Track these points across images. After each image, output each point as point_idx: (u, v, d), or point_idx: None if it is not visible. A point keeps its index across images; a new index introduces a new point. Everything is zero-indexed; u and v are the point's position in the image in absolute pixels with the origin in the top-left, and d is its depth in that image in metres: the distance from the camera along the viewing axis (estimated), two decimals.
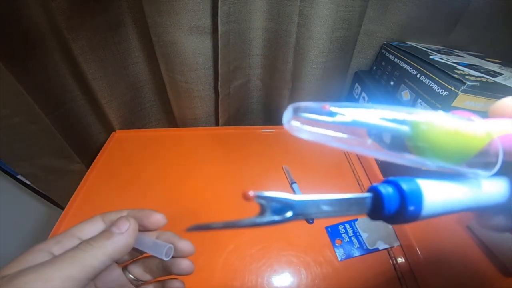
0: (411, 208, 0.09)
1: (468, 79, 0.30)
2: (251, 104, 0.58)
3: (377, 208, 0.10)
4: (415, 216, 0.10)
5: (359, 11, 0.40)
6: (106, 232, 0.18)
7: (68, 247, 0.18)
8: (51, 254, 0.17)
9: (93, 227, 0.20)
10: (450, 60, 0.37)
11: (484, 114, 0.25)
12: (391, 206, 0.09)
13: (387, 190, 0.10)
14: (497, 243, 0.30)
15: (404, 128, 0.09)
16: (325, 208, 0.10)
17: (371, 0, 0.42)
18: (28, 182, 0.51)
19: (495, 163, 0.10)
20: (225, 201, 0.39)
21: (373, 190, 0.10)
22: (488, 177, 0.11)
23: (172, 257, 0.20)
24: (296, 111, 0.10)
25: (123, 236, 0.18)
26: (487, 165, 0.10)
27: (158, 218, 0.20)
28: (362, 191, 0.41)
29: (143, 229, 0.21)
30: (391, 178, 0.10)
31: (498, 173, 0.10)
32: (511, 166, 0.11)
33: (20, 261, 0.16)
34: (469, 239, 0.32)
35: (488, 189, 0.11)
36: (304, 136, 0.10)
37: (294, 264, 0.32)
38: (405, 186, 0.09)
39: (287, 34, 0.43)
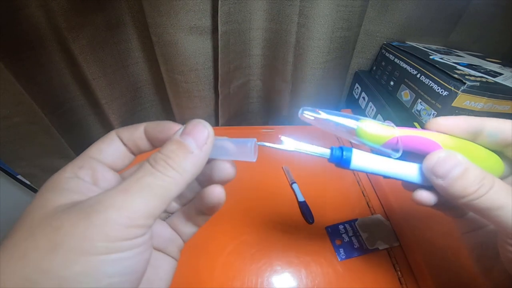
0: (345, 156, 0.17)
1: (468, 79, 0.30)
2: (251, 104, 0.58)
3: (331, 158, 0.18)
4: (347, 164, 0.17)
5: (359, 11, 0.40)
6: (181, 148, 0.14)
7: (96, 172, 0.15)
8: (82, 179, 0.15)
9: (112, 148, 0.17)
10: (450, 60, 0.37)
11: (484, 114, 0.27)
12: (336, 158, 0.18)
13: (336, 150, 0.18)
14: None
15: (354, 126, 0.17)
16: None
17: (371, 0, 0.42)
18: (28, 182, 0.50)
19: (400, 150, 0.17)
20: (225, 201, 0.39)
21: (331, 149, 0.18)
22: (397, 157, 0.17)
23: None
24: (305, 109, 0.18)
25: (203, 151, 0.15)
26: (397, 151, 0.17)
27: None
28: (362, 191, 0.41)
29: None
30: (343, 146, 0.18)
31: (414, 161, 0.17)
32: (420, 158, 0.17)
33: (58, 189, 0.14)
34: None
35: (399, 165, 0.17)
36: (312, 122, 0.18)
37: (294, 264, 0.32)
38: (345, 149, 0.17)
39: (287, 34, 0.43)
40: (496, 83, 0.31)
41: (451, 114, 0.32)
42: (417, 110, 0.36)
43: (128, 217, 0.12)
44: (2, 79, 0.36)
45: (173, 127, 0.16)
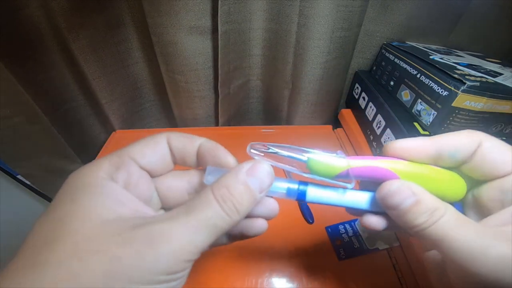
0: (300, 191, 0.17)
1: (468, 79, 0.30)
2: (251, 104, 0.58)
3: (288, 192, 0.18)
4: (303, 199, 0.18)
5: (359, 11, 0.40)
6: (248, 192, 0.14)
7: (133, 176, 0.15)
8: (116, 183, 0.14)
9: (157, 153, 0.16)
10: (450, 60, 0.37)
11: (484, 114, 0.27)
12: (292, 192, 0.18)
13: (294, 186, 0.18)
14: None
15: (305, 159, 0.17)
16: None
17: (371, 0, 0.42)
18: (28, 182, 0.50)
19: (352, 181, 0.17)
20: None
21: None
22: (351, 188, 0.17)
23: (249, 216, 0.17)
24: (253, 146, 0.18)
25: (262, 196, 0.15)
26: (350, 183, 0.17)
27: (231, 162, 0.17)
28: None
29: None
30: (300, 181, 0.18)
31: (366, 190, 0.18)
32: (373, 186, 0.17)
33: (96, 193, 0.13)
34: None
35: (351, 195, 0.18)
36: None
37: (294, 264, 0.32)
38: (302, 184, 0.18)
39: (287, 34, 0.43)
40: (496, 83, 0.31)
41: (452, 114, 0.32)
42: (417, 110, 0.36)
43: (191, 251, 0.12)
44: (2, 79, 0.36)
45: (230, 160, 0.17)
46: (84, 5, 0.37)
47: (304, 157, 0.16)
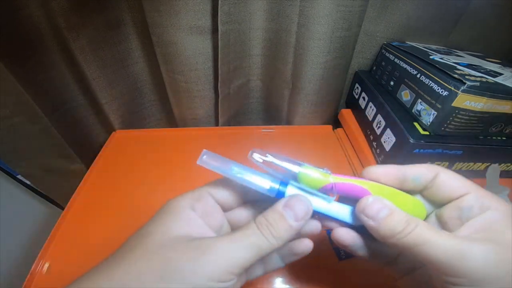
0: (281, 190, 0.19)
1: (468, 79, 0.30)
2: (251, 104, 0.58)
3: (270, 190, 0.19)
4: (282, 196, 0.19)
5: (359, 11, 0.40)
6: (281, 219, 0.17)
7: (208, 207, 0.19)
8: (194, 212, 0.18)
9: (228, 193, 0.20)
10: (450, 60, 0.37)
11: (484, 114, 0.28)
12: (272, 191, 0.19)
13: (277, 187, 0.19)
14: None
15: (296, 171, 0.19)
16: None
17: (371, 0, 0.42)
18: (28, 182, 0.50)
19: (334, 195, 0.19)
20: None
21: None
22: (333, 201, 0.19)
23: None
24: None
25: (299, 224, 0.17)
26: (332, 196, 0.19)
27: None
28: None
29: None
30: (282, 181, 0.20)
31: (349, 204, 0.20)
32: (350, 202, 0.19)
33: (176, 218, 0.17)
34: None
35: (334, 207, 0.19)
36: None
37: (294, 264, 0.32)
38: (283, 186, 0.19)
39: (287, 34, 0.43)
40: (496, 83, 0.31)
41: (452, 114, 0.32)
42: (417, 110, 0.36)
43: (233, 264, 0.15)
44: (2, 79, 0.36)
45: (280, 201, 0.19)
46: (84, 5, 0.37)
47: (295, 169, 0.19)
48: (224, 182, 0.20)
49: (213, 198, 0.19)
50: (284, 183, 0.19)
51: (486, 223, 0.16)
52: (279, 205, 0.18)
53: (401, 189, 0.19)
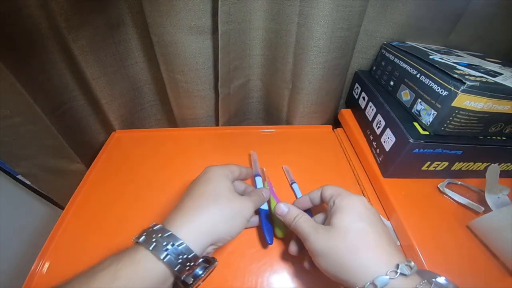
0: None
1: (468, 79, 0.30)
2: (251, 104, 0.58)
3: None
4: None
5: (359, 11, 0.40)
6: (263, 193, 0.31)
7: (234, 177, 0.30)
8: (230, 180, 0.29)
9: (237, 171, 0.31)
10: (450, 60, 0.37)
11: (484, 114, 0.28)
12: None
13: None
14: (497, 243, 0.30)
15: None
16: None
17: (371, 0, 0.42)
18: (28, 182, 0.50)
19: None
20: None
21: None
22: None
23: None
24: None
25: (265, 200, 0.32)
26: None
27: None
28: (362, 191, 0.41)
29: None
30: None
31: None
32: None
33: (228, 179, 0.29)
34: (469, 238, 0.32)
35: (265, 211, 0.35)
36: None
37: (294, 264, 0.32)
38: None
39: (287, 34, 0.43)
40: (496, 83, 0.31)
41: (452, 114, 0.32)
42: (417, 110, 0.36)
43: (252, 207, 0.28)
44: (2, 79, 0.36)
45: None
46: (84, 5, 0.37)
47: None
48: (234, 165, 0.31)
49: (232, 175, 0.30)
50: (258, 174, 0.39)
51: (336, 213, 0.25)
52: (261, 188, 0.33)
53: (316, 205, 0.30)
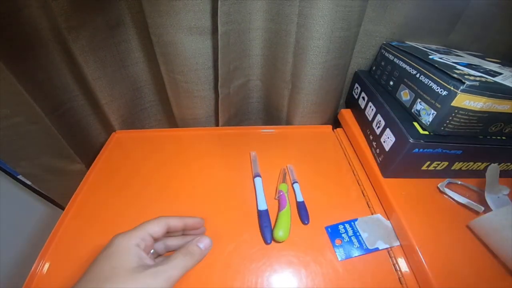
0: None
1: (467, 79, 0.30)
2: (251, 104, 0.58)
3: None
4: None
5: (358, 11, 0.40)
6: (194, 248, 0.27)
7: (147, 244, 0.26)
8: (139, 248, 0.25)
9: (160, 229, 0.27)
10: (449, 59, 0.37)
11: (484, 114, 0.28)
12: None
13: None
14: (497, 243, 0.30)
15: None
16: None
17: (370, 0, 0.42)
18: (28, 182, 0.51)
19: None
20: (226, 200, 0.39)
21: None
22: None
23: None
24: None
25: (204, 253, 0.28)
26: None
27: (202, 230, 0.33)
28: (362, 191, 0.41)
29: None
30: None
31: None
32: None
33: (130, 254, 0.24)
34: (469, 238, 0.32)
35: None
36: None
37: (294, 264, 0.32)
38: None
39: (287, 34, 0.43)
40: (495, 82, 0.31)
41: (451, 114, 0.32)
42: (416, 110, 0.36)
43: (170, 282, 0.24)
44: (2, 79, 0.36)
45: (200, 226, 0.33)
46: (84, 6, 0.37)
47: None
48: (159, 222, 0.28)
49: (152, 237, 0.27)
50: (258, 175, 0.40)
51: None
52: (196, 240, 0.28)
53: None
